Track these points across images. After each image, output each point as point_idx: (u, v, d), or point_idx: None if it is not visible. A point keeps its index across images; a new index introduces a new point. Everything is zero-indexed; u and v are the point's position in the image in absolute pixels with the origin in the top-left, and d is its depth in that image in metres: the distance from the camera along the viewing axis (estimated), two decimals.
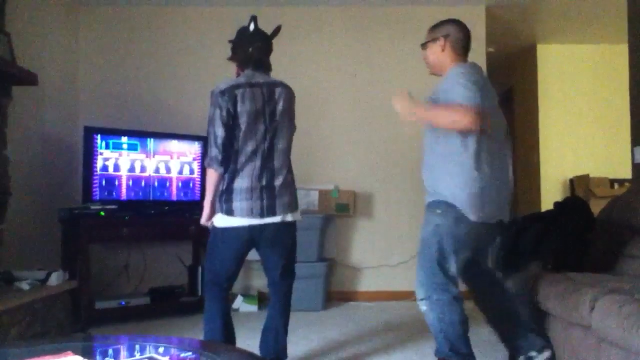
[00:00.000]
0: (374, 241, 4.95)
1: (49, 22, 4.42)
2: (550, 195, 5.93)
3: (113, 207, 4.07)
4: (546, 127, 6.26)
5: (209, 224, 2.63)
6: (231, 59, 2.71)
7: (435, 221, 2.46)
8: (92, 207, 3.99)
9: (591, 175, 5.85)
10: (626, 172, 4.62)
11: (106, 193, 4.09)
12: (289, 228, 2.64)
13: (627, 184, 5.68)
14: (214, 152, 2.50)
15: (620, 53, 5.92)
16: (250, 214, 2.49)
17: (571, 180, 6.05)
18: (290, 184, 2.64)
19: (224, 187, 2.53)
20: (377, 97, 4.99)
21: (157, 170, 4.30)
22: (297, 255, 4.31)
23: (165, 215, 4.27)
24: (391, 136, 4.97)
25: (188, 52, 4.97)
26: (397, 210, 4.95)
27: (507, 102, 7.32)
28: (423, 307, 2.53)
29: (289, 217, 2.59)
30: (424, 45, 2.67)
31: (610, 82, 6.07)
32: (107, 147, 4.11)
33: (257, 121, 2.53)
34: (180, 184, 4.37)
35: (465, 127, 2.31)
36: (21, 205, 3.79)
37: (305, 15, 5.07)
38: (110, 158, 4.12)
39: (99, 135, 4.08)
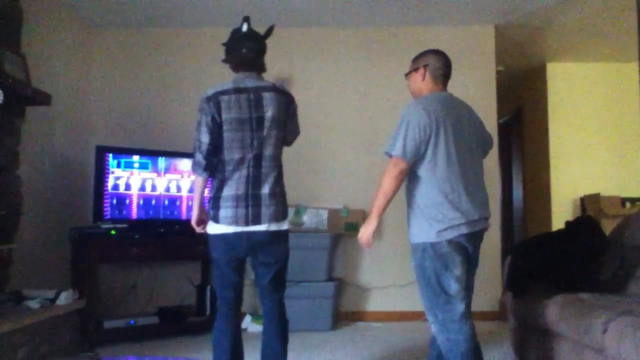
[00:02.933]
0: (383, 261, 4.92)
1: (62, 43, 4.49)
2: (561, 214, 5.88)
3: (123, 226, 4.08)
4: (556, 145, 6.23)
5: (199, 229, 2.69)
6: (225, 61, 2.70)
7: (420, 246, 2.58)
8: (103, 227, 4.01)
9: (602, 194, 5.80)
10: (638, 191, 4.59)
11: (117, 212, 4.11)
12: (278, 237, 2.58)
13: (638, 202, 5.63)
14: (198, 157, 2.54)
15: (630, 71, 5.92)
16: (235, 222, 2.48)
17: (582, 199, 6.00)
18: (278, 194, 2.57)
19: (213, 195, 2.54)
20: (387, 116, 4.99)
21: (167, 189, 4.32)
22: (306, 274, 4.36)
23: (174, 235, 4.28)
24: None
25: (199, 72, 5.01)
26: (406, 230, 4.91)
27: (517, 121, 7.31)
28: (433, 328, 2.58)
29: (274, 227, 2.54)
30: (407, 76, 2.84)
31: (621, 101, 6.04)
32: (118, 166, 4.14)
33: (243, 129, 2.50)
34: (190, 203, 4.37)
35: (398, 178, 2.54)
36: (32, 225, 3.81)
37: (316, 36, 5.11)
38: (122, 177, 4.15)
39: (110, 155, 4.11)
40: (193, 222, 2.70)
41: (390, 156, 2.55)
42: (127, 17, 4.85)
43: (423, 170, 2.56)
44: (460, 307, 2.51)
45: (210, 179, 2.61)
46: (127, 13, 4.75)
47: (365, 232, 2.63)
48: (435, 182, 2.55)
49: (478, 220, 2.58)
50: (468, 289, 2.61)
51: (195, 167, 2.56)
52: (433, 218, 2.53)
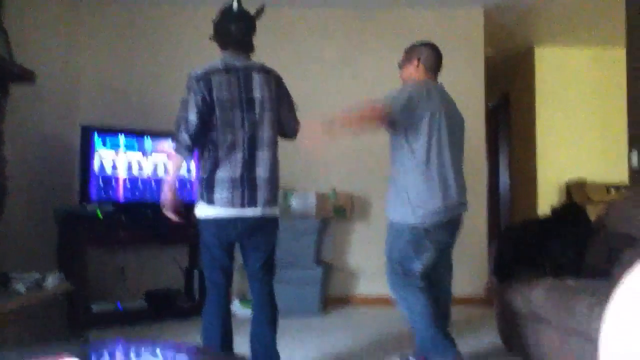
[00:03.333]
0: (372, 245, 4.92)
1: (48, 19, 4.39)
2: (547, 200, 5.93)
3: (110, 208, 4.04)
4: (543, 131, 6.26)
5: (172, 216, 2.63)
6: (213, 38, 2.65)
7: (395, 227, 2.75)
8: (89, 208, 3.96)
9: (588, 181, 5.85)
10: (623, 177, 4.63)
11: (103, 193, 4.06)
12: (270, 222, 2.59)
13: (623, 189, 5.69)
14: (184, 137, 2.45)
15: (617, 57, 5.93)
16: (231, 204, 2.45)
17: (568, 185, 6.05)
18: (273, 179, 2.56)
19: (206, 176, 2.49)
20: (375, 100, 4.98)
21: (154, 170, 4.28)
22: (294, 259, 4.36)
23: (162, 217, 4.23)
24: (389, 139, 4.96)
25: (188, 49, 4.93)
26: None
27: (505, 106, 7.33)
28: (398, 303, 2.84)
29: (268, 211, 2.54)
30: (400, 65, 3.01)
31: (608, 86, 6.08)
32: (104, 145, 4.08)
33: (234, 110, 2.46)
34: (177, 185, 4.34)
35: (375, 120, 2.70)
36: (17, 205, 3.76)
37: (304, 17, 5.07)
38: (108, 157, 4.09)
39: (96, 134, 4.05)
40: (166, 207, 2.61)
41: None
42: None
43: (416, 153, 2.68)
44: (419, 282, 2.74)
45: (196, 159, 2.57)
46: None
47: (315, 133, 2.71)
48: (425, 165, 2.68)
49: (458, 205, 2.77)
50: (441, 267, 2.87)
51: (179, 148, 2.48)
52: (417, 201, 2.66)
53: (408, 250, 2.71)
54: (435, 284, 2.92)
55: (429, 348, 2.75)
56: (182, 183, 4.37)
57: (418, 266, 2.73)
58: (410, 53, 2.96)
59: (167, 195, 2.60)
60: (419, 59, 2.90)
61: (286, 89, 2.71)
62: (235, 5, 2.61)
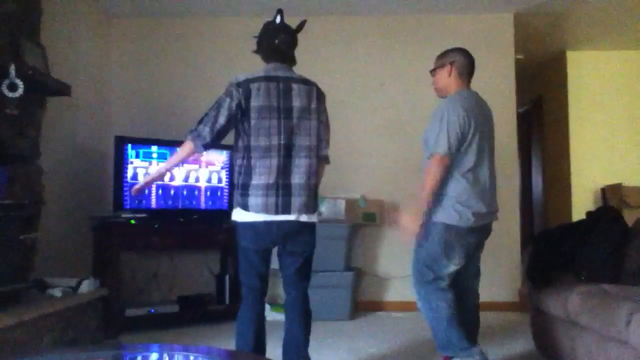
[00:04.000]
0: (402, 251, 4.86)
1: (82, 34, 4.52)
2: (582, 205, 5.81)
3: (143, 215, 4.12)
4: (577, 135, 6.15)
5: (141, 185, 2.72)
6: (256, 52, 2.67)
7: (428, 227, 2.75)
8: (123, 216, 4.05)
9: (624, 184, 5.72)
10: None
11: (137, 202, 4.13)
12: (306, 228, 2.58)
13: None
14: (205, 132, 2.47)
15: None
16: (265, 210, 2.46)
17: (603, 190, 5.92)
18: (309, 186, 2.55)
19: (240, 183, 2.51)
20: (406, 105, 4.97)
21: (186, 179, 4.34)
22: (324, 264, 4.36)
23: (194, 224, 4.31)
24: (419, 145, 4.93)
25: (218, 62, 5.02)
26: None
27: (537, 110, 7.22)
28: (419, 304, 2.83)
29: (304, 217, 2.53)
30: (433, 72, 2.97)
31: None
32: (137, 156, 4.17)
33: (270, 117, 2.48)
34: (208, 193, 4.41)
35: (443, 174, 2.67)
36: (54, 214, 3.85)
37: (334, 24, 5.08)
38: (141, 167, 4.17)
39: (129, 145, 4.14)
40: (145, 182, 2.73)
41: (432, 155, 2.68)
42: (146, 7, 4.87)
43: (456, 162, 2.70)
44: (443, 283, 2.75)
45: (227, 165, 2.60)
46: (146, 2, 4.77)
47: (412, 225, 2.72)
48: (468, 170, 2.70)
49: (492, 213, 2.80)
50: (470, 273, 2.86)
51: (195, 138, 2.49)
52: (458, 201, 2.67)
53: (438, 251, 2.70)
54: (463, 289, 2.89)
55: (450, 347, 2.73)
56: (214, 191, 4.43)
57: (445, 270, 2.72)
58: (443, 59, 2.93)
59: (157, 176, 2.78)
60: (452, 65, 2.87)
61: (326, 108, 2.71)
62: (278, 19, 2.64)
